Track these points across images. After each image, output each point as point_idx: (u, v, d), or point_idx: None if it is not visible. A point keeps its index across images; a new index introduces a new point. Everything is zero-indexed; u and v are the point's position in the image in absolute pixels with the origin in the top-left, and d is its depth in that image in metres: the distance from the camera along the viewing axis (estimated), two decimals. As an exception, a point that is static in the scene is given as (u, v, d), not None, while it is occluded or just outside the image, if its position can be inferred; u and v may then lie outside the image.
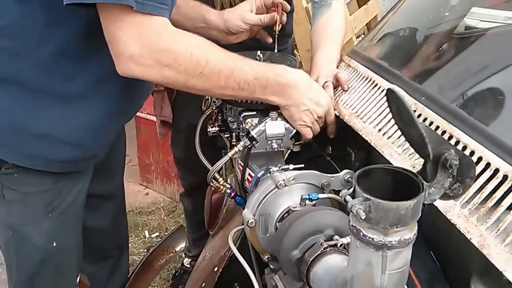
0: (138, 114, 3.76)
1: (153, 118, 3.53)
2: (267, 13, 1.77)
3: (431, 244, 1.29)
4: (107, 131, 1.57)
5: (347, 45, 3.12)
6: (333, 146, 1.62)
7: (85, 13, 1.22)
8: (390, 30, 1.82)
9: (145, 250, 3.19)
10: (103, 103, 1.46)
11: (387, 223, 0.79)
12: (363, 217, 0.79)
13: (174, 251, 2.46)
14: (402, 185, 0.83)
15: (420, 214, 0.81)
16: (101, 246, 1.98)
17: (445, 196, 0.90)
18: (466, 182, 0.88)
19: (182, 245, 2.57)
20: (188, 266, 2.88)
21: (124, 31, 1.19)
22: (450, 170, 0.84)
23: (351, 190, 0.84)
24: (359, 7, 4.32)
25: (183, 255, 2.93)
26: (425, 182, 0.83)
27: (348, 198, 0.82)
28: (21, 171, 1.46)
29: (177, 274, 2.95)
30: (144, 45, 1.20)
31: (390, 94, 0.89)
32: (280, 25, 1.74)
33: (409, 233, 0.81)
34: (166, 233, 3.32)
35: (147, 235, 3.39)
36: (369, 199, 0.78)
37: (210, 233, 2.13)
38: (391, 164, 1.22)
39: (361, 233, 0.82)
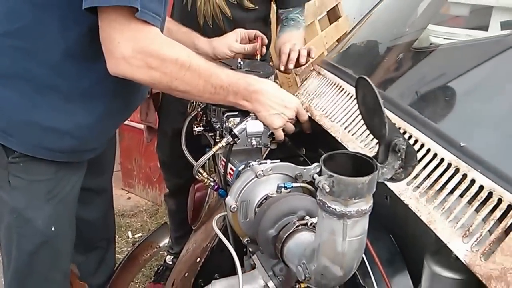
0: None
1: (136, 125, 3.61)
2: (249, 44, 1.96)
3: (391, 229, 1.43)
4: (105, 127, 1.70)
5: (319, 58, 3.28)
6: (307, 148, 1.75)
7: (91, 18, 1.33)
8: (355, 42, 1.98)
9: (129, 249, 3.24)
10: (103, 101, 1.58)
11: (347, 196, 0.94)
12: (327, 190, 0.94)
13: (158, 246, 2.56)
14: (360, 167, 0.98)
15: (374, 189, 0.97)
16: (90, 237, 2.07)
17: (390, 180, 1.06)
18: (408, 169, 1.05)
19: (165, 241, 2.67)
20: (170, 263, 2.96)
21: (120, 34, 1.31)
22: (399, 154, 1.01)
23: (318, 169, 0.99)
24: (330, 24, 4.49)
25: (166, 253, 3.01)
26: (378, 164, 0.99)
27: (316, 176, 0.98)
28: (27, 160, 1.56)
29: (159, 271, 3.02)
30: (136, 48, 1.32)
31: (360, 81, 1.04)
32: (259, 55, 1.94)
33: (366, 204, 0.97)
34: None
35: (130, 236, 3.46)
36: (332, 176, 0.94)
37: (193, 228, 2.25)
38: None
39: (326, 205, 0.97)
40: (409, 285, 1.34)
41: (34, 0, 1.42)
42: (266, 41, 1.96)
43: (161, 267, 3.03)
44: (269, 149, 1.65)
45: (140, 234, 3.48)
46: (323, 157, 0.99)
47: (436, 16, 2.31)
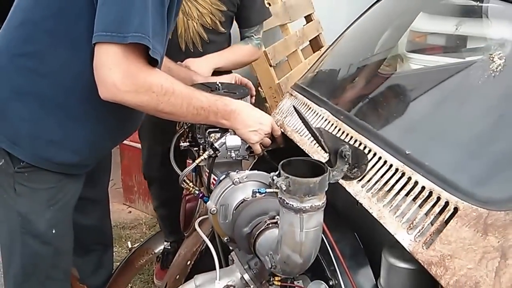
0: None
1: (136, 145, 3.65)
2: None
3: (360, 230, 1.53)
4: (104, 145, 1.78)
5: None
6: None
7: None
8: (322, 68, 2.10)
9: (128, 258, 3.30)
10: (105, 122, 1.65)
11: (301, 193, 1.04)
12: (284, 189, 1.05)
13: (153, 252, 2.63)
14: (316, 171, 1.09)
15: (326, 188, 1.07)
16: (86, 241, 2.08)
17: (348, 178, 1.17)
18: (362, 168, 1.15)
19: (160, 248, 2.74)
20: (170, 247, 2.98)
21: (115, 64, 1.37)
22: (346, 159, 1.11)
23: (277, 172, 1.10)
24: (314, 52, 4.62)
25: (164, 242, 3.01)
26: (329, 167, 1.09)
27: (275, 178, 1.09)
28: (31, 171, 1.61)
29: (163, 258, 3.01)
30: (126, 76, 1.39)
31: (295, 110, 1.16)
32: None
33: (318, 201, 1.07)
34: (147, 244, 3.43)
35: (129, 246, 3.49)
36: (288, 177, 1.04)
37: (185, 235, 2.33)
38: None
39: (285, 201, 1.07)
40: (370, 276, 1.43)
41: (47, 28, 1.50)
42: (254, 92, 2.02)
43: (163, 253, 3.03)
44: (254, 162, 1.73)
45: (138, 244, 3.52)
46: (281, 162, 1.09)
47: (416, 45, 2.44)
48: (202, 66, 2.22)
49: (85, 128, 1.63)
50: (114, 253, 3.28)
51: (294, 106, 1.13)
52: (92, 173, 1.84)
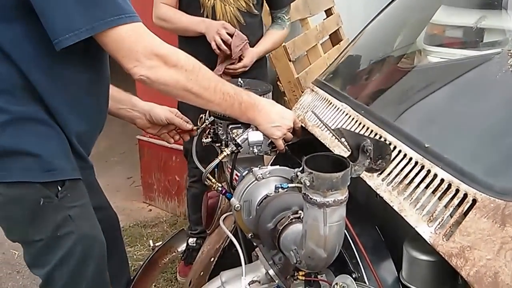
0: (141, 137, 3.98)
1: (155, 141, 3.76)
2: None
3: (380, 223, 1.60)
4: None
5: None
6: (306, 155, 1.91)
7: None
8: (343, 63, 2.16)
9: (150, 256, 3.37)
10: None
11: (324, 188, 1.10)
12: (308, 185, 1.11)
13: (176, 251, 2.68)
14: (338, 165, 1.14)
15: (348, 183, 1.13)
16: None
17: (374, 170, 1.23)
18: (386, 158, 1.21)
19: (183, 246, 2.79)
20: (194, 244, 3.10)
21: (135, 44, 1.41)
22: (368, 153, 1.17)
23: (300, 168, 1.16)
24: (333, 46, 4.65)
25: (187, 236, 3.11)
26: (351, 162, 1.15)
27: (299, 173, 1.15)
28: (71, 187, 1.55)
29: (186, 254, 3.14)
30: (152, 52, 1.42)
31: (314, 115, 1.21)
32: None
33: (341, 195, 1.13)
34: (169, 242, 3.50)
35: (151, 244, 3.57)
36: (312, 173, 1.10)
37: (208, 232, 2.40)
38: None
39: (309, 197, 1.13)
40: (392, 269, 1.49)
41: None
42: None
43: (188, 250, 3.15)
44: (274, 156, 1.77)
45: (160, 243, 3.57)
46: (305, 158, 1.16)
47: (434, 37, 2.49)
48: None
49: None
50: (136, 252, 3.41)
51: (312, 112, 1.19)
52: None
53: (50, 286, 1.64)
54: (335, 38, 4.67)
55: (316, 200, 1.13)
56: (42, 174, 1.49)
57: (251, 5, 2.72)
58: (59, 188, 1.53)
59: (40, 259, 1.60)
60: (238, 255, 1.53)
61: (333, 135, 1.13)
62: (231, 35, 2.59)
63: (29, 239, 1.57)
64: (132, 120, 1.89)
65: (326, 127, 1.17)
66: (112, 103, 1.79)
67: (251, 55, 2.74)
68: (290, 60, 3.70)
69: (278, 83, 3.84)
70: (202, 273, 2.11)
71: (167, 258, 2.63)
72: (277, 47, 3.07)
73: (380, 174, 1.40)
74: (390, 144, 1.44)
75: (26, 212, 1.52)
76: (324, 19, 4.54)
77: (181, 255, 3.12)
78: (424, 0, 2.20)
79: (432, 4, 2.20)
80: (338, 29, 4.64)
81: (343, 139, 1.18)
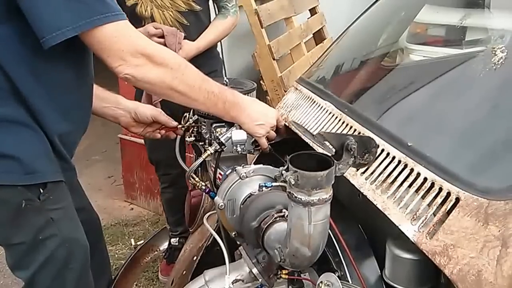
0: (122, 136, 3.95)
1: (137, 140, 3.75)
2: None
3: (362, 221, 1.61)
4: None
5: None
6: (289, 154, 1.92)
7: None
8: (327, 62, 2.17)
9: (132, 255, 3.36)
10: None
11: (309, 187, 1.11)
12: (293, 183, 1.11)
13: (158, 249, 2.70)
14: (322, 164, 1.15)
15: (332, 182, 1.13)
16: None
17: (361, 165, 1.23)
18: (372, 151, 1.22)
19: (165, 245, 2.79)
20: (177, 243, 3.05)
21: (120, 43, 1.40)
22: (352, 152, 1.18)
23: (285, 167, 1.16)
24: (316, 45, 4.67)
25: (169, 236, 3.09)
26: (335, 161, 1.16)
27: (284, 172, 1.15)
28: (53, 188, 1.54)
29: (168, 253, 3.09)
30: (138, 51, 1.42)
31: (293, 125, 1.22)
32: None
33: (326, 194, 1.13)
34: (151, 240, 3.49)
35: (133, 243, 3.55)
36: (297, 171, 1.11)
37: (190, 231, 2.39)
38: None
39: (293, 195, 1.14)
40: (376, 268, 1.51)
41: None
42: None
43: (169, 248, 3.11)
44: (257, 156, 1.78)
45: (142, 241, 3.55)
46: (289, 156, 1.16)
47: (417, 36, 2.51)
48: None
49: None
50: (118, 251, 3.40)
51: (291, 122, 1.20)
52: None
53: None
54: (318, 37, 4.69)
55: (300, 198, 1.13)
56: (23, 177, 1.48)
57: (191, 2, 2.59)
58: (41, 191, 1.51)
59: (22, 262, 1.59)
60: (220, 253, 1.53)
61: (314, 142, 1.13)
62: (162, 36, 2.48)
63: (11, 242, 1.56)
64: (117, 119, 1.88)
65: (306, 136, 1.17)
66: (97, 102, 1.78)
67: (187, 49, 2.58)
68: (274, 59, 3.70)
69: (261, 82, 3.84)
70: (184, 272, 2.11)
71: (149, 257, 2.64)
72: (224, 37, 2.85)
73: (364, 172, 1.41)
74: (373, 142, 1.45)
75: (7, 215, 1.50)
76: (308, 18, 4.56)
77: (163, 254, 3.12)
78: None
79: (416, 3, 2.22)
80: (322, 28, 4.65)
81: (326, 142, 1.19)
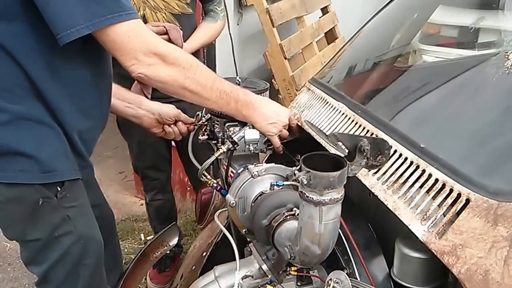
0: None
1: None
2: None
3: (373, 220, 1.62)
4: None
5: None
6: (301, 154, 1.93)
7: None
8: (340, 63, 2.18)
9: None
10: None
11: (321, 187, 1.13)
12: (305, 183, 1.14)
13: (168, 245, 2.70)
14: (335, 165, 1.17)
15: (344, 182, 1.15)
16: None
17: (373, 166, 1.25)
18: (385, 153, 1.24)
19: (175, 240, 2.81)
20: (169, 252, 2.98)
21: (132, 43, 1.42)
22: (365, 153, 1.20)
23: (298, 167, 1.18)
24: (328, 44, 4.68)
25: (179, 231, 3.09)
26: (348, 162, 1.18)
27: (296, 172, 1.17)
28: (70, 186, 1.56)
29: (160, 261, 3.03)
30: (150, 50, 1.44)
31: (307, 124, 1.23)
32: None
33: (337, 194, 1.15)
34: (160, 236, 3.51)
35: (142, 238, 3.57)
36: (309, 171, 1.13)
37: (200, 227, 2.42)
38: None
39: (305, 195, 1.16)
40: (384, 266, 1.53)
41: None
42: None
43: (162, 257, 3.08)
44: (268, 155, 1.79)
45: (151, 236, 3.52)
46: (302, 157, 1.18)
47: (430, 37, 2.52)
48: None
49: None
50: (127, 246, 3.43)
51: (305, 121, 1.22)
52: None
53: (47, 284, 1.66)
54: (330, 36, 4.70)
55: (312, 198, 1.15)
56: (41, 176, 1.50)
57: (184, 4, 2.57)
58: (58, 189, 1.54)
59: (37, 258, 1.61)
60: (229, 250, 1.55)
61: (327, 143, 1.15)
62: (165, 33, 2.43)
63: (27, 238, 1.58)
64: (139, 119, 1.89)
65: (320, 136, 1.18)
66: (120, 102, 1.83)
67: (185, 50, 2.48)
68: (285, 58, 3.72)
69: (273, 81, 3.86)
70: (194, 267, 2.15)
71: (159, 252, 2.63)
72: (213, 40, 2.86)
73: (376, 173, 1.43)
74: (386, 143, 1.47)
75: (24, 212, 1.52)
76: (320, 17, 4.56)
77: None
78: (423, 0, 2.22)
79: (430, 4, 2.23)
80: (333, 27, 4.66)
81: (339, 143, 1.21)
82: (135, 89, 2.42)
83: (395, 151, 1.43)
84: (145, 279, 3.16)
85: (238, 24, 3.92)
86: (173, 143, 2.84)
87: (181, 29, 2.51)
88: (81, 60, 1.53)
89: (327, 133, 1.65)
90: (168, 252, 2.95)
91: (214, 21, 2.72)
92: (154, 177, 2.96)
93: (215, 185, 1.70)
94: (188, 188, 3.66)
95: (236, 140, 1.64)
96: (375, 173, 1.43)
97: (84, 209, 1.65)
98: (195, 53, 2.66)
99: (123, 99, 1.86)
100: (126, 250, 3.43)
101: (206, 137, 1.85)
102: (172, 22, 2.53)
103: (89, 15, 1.36)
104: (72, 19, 1.35)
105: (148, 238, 3.50)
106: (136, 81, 2.44)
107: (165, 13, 2.52)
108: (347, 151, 1.23)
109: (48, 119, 1.49)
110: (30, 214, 1.52)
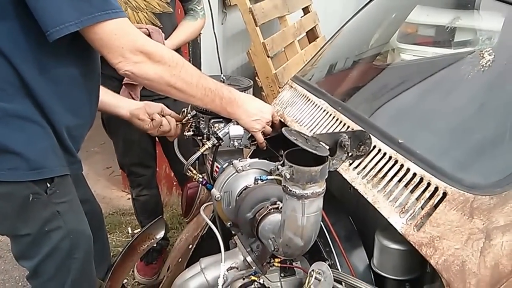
0: None
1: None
2: None
3: (353, 213, 1.64)
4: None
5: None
6: (284, 149, 1.93)
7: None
8: (321, 61, 2.18)
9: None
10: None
11: (304, 181, 1.13)
12: (288, 178, 1.14)
13: (154, 238, 2.68)
14: (317, 159, 1.17)
15: (326, 176, 1.16)
16: None
17: (358, 157, 1.26)
18: (367, 143, 1.24)
19: (161, 233, 2.80)
20: (155, 245, 2.91)
21: (119, 40, 1.40)
22: (345, 148, 1.20)
23: (281, 162, 1.18)
24: (309, 43, 4.68)
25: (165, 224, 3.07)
26: (329, 157, 1.18)
27: (280, 167, 1.17)
28: (60, 183, 1.54)
29: (147, 254, 3.04)
30: (137, 48, 1.42)
31: (285, 133, 1.23)
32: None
33: (319, 188, 1.16)
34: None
35: (130, 231, 3.55)
36: (292, 166, 1.13)
37: (186, 221, 2.41)
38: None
39: (288, 189, 1.16)
40: (364, 257, 1.54)
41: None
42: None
43: (149, 250, 3.06)
44: (252, 150, 1.79)
45: (138, 230, 3.50)
46: (285, 152, 1.18)
47: (407, 36, 2.53)
48: None
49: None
50: (115, 239, 3.41)
51: (283, 131, 1.21)
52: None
53: (37, 278, 1.65)
54: (311, 35, 4.70)
55: (295, 192, 1.15)
56: (30, 173, 1.48)
57: (165, 4, 2.53)
58: (48, 185, 1.52)
59: (27, 252, 1.60)
60: (214, 243, 1.55)
61: (307, 148, 1.15)
62: (148, 35, 2.38)
63: (17, 233, 1.56)
64: (132, 118, 1.86)
65: (300, 142, 1.18)
66: (107, 106, 1.83)
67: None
68: (268, 56, 3.72)
69: (256, 78, 3.85)
70: (180, 259, 2.14)
71: (146, 245, 2.62)
72: (193, 38, 2.84)
73: (356, 167, 1.43)
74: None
75: (15, 208, 1.51)
76: (301, 17, 4.57)
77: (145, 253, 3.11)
78: (401, 0, 2.23)
79: (408, 4, 2.23)
80: (314, 26, 4.66)
81: (321, 143, 1.21)
82: (123, 94, 2.41)
83: (375, 146, 1.43)
84: (133, 271, 3.14)
85: (222, 24, 3.91)
86: (157, 138, 2.81)
87: (162, 28, 2.51)
88: (70, 59, 1.51)
89: (309, 131, 1.65)
90: (155, 245, 2.94)
91: (194, 19, 2.70)
92: (140, 173, 2.94)
93: (200, 179, 1.70)
94: (175, 183, 3.64)
95: (221, 136, 1.64)
96: (356, 167, 1.43)
97: (74, 205, 1.63)
98: (177, 51, 2.56)
99: (115, 104, 1.86)
100: (113, 243, 3.40)
101: (191, 133, 1.83)
102: (154, 21, 2.51)
103: (77, 13, 1.35)
104: (61, 16, 1.34)
105: (135, 231, 3.49)
106: (124, 86, 2.44)
107: (146, 13, 2.49)
108: (328, 147, 1.23)
109: (37, 116, 1.48)
110: (20, 210, 1.51)
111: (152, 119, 1.84)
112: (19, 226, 1.54)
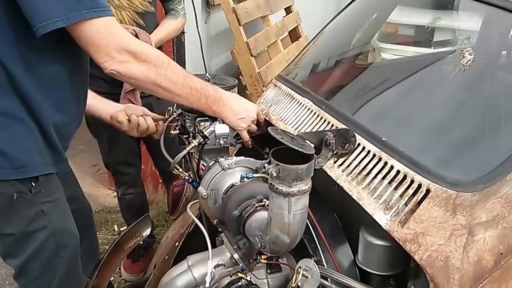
0: None
1: (119, 131, 3.74)
2: None
3: (338, 210, 1.63)
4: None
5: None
6: (269, 147, 1.92)
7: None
8: (304, 61, 2.17)
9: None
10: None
11: (290, 179, 1.12)
12: (274, 175, 1.12)
13: (141, 235, 2.67)
14: (302, 157, 1.17)
15: (312, 174, 1.15)
16: None
17: (343, 155, 1.25)
18: (352, 141, 1.24)
19: (147, 231, 2.78)
20: (142, 242, 2.99)
21: (105, 39, 1.38)
22: (330, 146, 1.19)
23: (267, 160, 1.17)
24: (292, 43, 4.67)
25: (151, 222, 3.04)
26: (315, 155, 1.17)
27: (266, 165, 1.16)
28: (45, 182, 1.52)
29: (134, 251, 3.00)
30: (123, 47, 1.40)
31: (271, 133, 1.23)
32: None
33: (305, 186, 1.15)
34: (133, 227, 3.47)
35: (116, 229, 3.54)
36: (278, 164, 1.12)
37: (172, 218, 2.39)
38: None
39: (275, 187, 1.15)
40: (349, 253, 1.53)
41: None
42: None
43: (135, 247, 3.04)
44: (238, 148, 1.77)
45: (125, 227, 3.50)
46: (272, 150, 1.17)
47: (389, 36, 2.53)
48: None
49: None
50: (102, 237, 3.38)
51: (269, 130, 1.20)
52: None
53: (23, 276, 1.62)
54: (294, 34, 4.69)
55: (281, 190, 1.15)
56: (13, 172, 1.46)
57: (147, 3, 2.51)
58: (33, 184, 1.50)
59: (12, 251, 1.57)
60: (201, 240, 1.52)
61: (293, 146, 1.14)
62: (135, 36, 2.30)
63: (2, 232, 1.53)
64: (112, 121, 1.84)
65: (285, 141, 1.17)
66: (93, 108, 1.82)
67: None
68: (252, 55, 3.71)
69: (240, 77, 3.84)
70: (167, 257, 2.12)
71: (132, 242, 2.60)
72: (173, 36, 2.80)
73: (341, 165, 1.42)
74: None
75: None
76: (284, 17, 4.56)
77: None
78: (382, 0, 2.23)
79: (389, 5, 2.23)
80: (297, 26, 4.66)
81: (306, 142, 1.20)
82: (123, 101, 2.38)
83: (359, 144, 1.42)
84: (119, 269, 3.11)
85: (206, 23, 3.89)
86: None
87: (145, 27, 2.48)
88: (58, 57, 1.49)
89: (294, 129, 1.64)
90: (141, 242, 2.91)
91: (175, 18, 2.67)
92: (125, 172, 2.91)
93: (187, 177, 1.69)
94: (160, 180, 3.61)
95: (207, 135, 1.63)
96: (340, 165, 1.42)
97: (60, 204, 1.61)
98: (159, 49, 2.56)
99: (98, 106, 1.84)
100: (100, 240, 3.35)
101: (177, 131, 1.82)
102: (137, 21, 2.48)
103: (64, 10, 1.33)
104: (48, 12, 1.32)
105: (121, 229, 3.48)
106: (124, 92, 2.41)
107: (129, 12, 2.47)
108: (313, 146, 1.22)
109: (23, 114, 1.45)
110: (4, 209, 1.48)
111: (129, 120, 1.82)
112: (3, 225, 1.51)
